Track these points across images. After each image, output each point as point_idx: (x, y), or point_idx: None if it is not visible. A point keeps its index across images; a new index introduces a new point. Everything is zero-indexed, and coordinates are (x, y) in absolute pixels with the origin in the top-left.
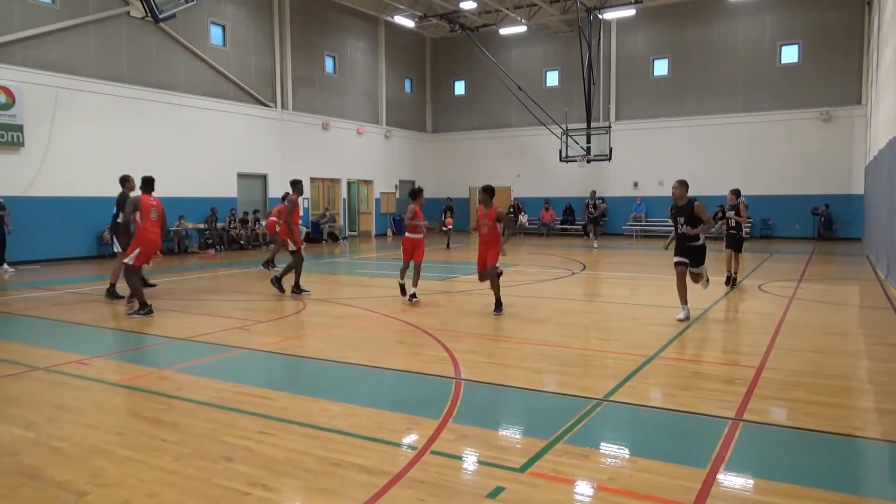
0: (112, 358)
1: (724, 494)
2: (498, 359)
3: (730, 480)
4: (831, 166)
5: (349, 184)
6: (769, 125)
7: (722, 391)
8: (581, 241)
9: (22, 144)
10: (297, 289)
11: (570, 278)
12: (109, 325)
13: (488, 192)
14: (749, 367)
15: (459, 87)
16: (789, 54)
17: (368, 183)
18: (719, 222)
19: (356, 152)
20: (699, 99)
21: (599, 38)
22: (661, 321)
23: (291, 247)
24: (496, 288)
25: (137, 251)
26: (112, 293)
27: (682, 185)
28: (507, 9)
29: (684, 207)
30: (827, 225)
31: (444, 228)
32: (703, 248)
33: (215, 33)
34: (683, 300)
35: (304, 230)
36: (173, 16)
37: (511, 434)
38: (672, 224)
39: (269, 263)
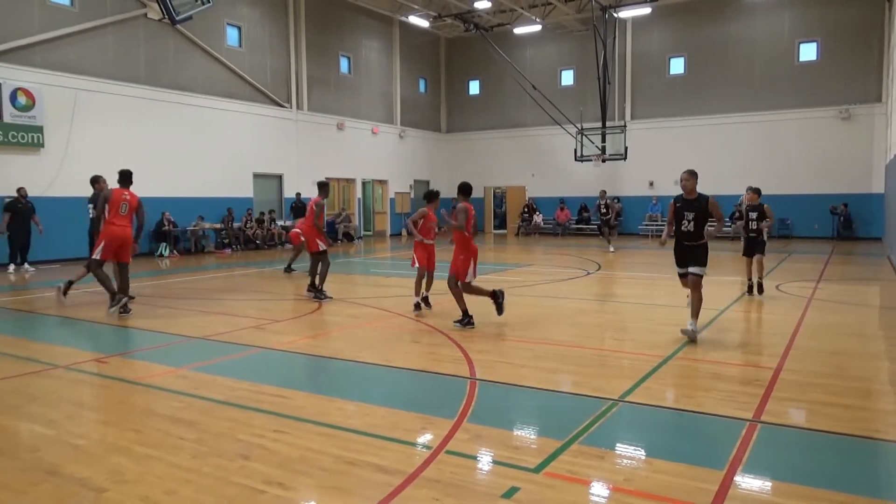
0: (130, 356)
1: (741, 496)
2: (513, 359)
3: (747, 482)
4: (851, 165)
5: (364, 184)
6: (787, 124)
7: (739, 392)
8: (596, 241)
9: (42, 145)
10: (320, 293)
11: (585, 278)
12: (127, 324)
13: (464, 192)
14: (767, 368)
15: (474, 87)
16: (808, 52)
17: (383, 183)
18: (737, 222)
19: (371, 152)
20: (716, 98)
21: (615, 37)
22: (676, 321)
23: (322, 247)
24: (467, 294)
25: (102, 245)
26: (67, 290)
27: (693, 175)
28: (522, 8)
29: (694, 202)
30: (846, 224)
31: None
32: (705, 247)
33: (231, 34)
34: (696, 313)
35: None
36: (190, 17)
37: (526, 434)
38: (674, 220)
39: (289, 268)
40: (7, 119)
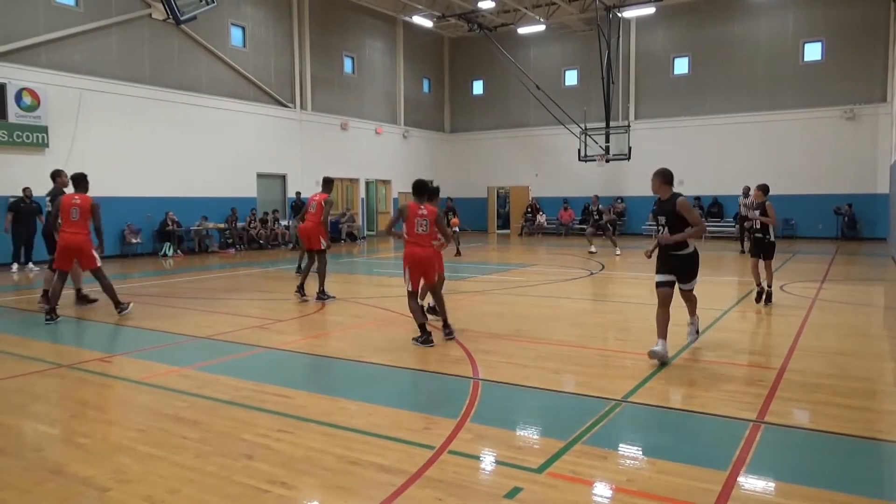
0: (134, 356)
1: (744, 497)
2: (515, 359)
3: (750, 483)
4: (855, 165)
5: (367, 184)
6: (792, 124)
7: (743, 393)
8: (599, 242)
9: (47, 145)
10: (322, 294)
11: (588, 278)
12: (131, 323)
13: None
14: (771, 368)
15: (477, 87)
16: (812, 52)
17: (386, 183)
18: (747, 221)
19: (374, 152)
20: (720, 97)
21: (619, 37)
22: (680, 322)
23: (324, 245)
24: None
25: (55, 254)
26: (81, 298)
27: (659, 175)
28: (526, 8)
29: (665, 205)
30: (850, 225)
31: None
32: (693, 257)
33: (235, 34)
34: (662, 332)
35: None
36: (194, 17)
37: (529, 434)
38: (655, 225)
39: (300, 268)
40: (12, 119)
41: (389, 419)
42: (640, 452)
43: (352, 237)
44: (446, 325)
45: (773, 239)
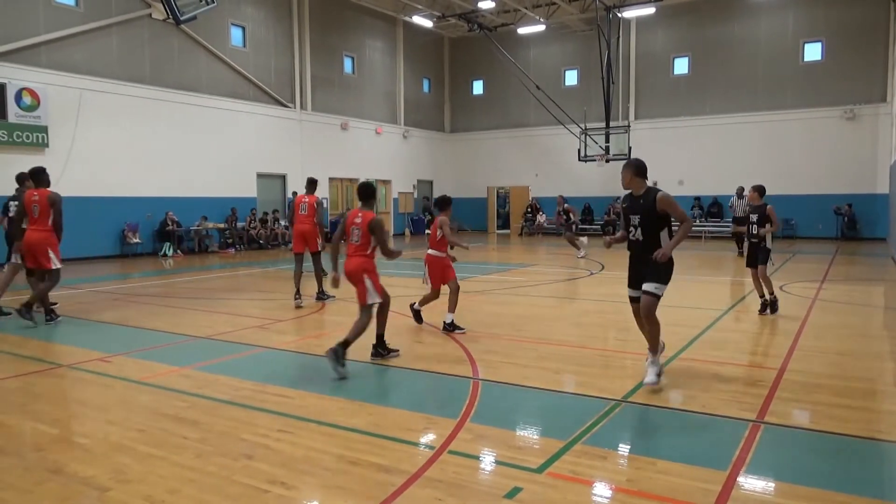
0: (134, 356)
1: (744, 497)
2: (516, 359)
3: (750, 483)
4: (855, 165)
5: None
6: (791, 124)
7: (743, 393)
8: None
9: (46, 145)
10: (321, 294)
11: (588, 278)
12: (131, 323)
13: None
14: (771, 368)
15: (477, 87)
16: (812, 52)
17: (386, 183)
18: (743, 224)
19: (374, 152)
20: (720, 97)
21: (619, 37)
22: (680, 322)
23: (320, 246)
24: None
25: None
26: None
27: (630, 166)
28: (526, 8)
29: (638, 201)
30: (850, 225)
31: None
32: (667, 262)
33: (235, 34)
34: (653, 345)
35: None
36: (194, 17)
37: (529, 434)
38: (625, 225)
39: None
40: (12, 119)
41: (389, 419)
42: (640, 452)
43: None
44: (380, 343)
45: (768, 245)
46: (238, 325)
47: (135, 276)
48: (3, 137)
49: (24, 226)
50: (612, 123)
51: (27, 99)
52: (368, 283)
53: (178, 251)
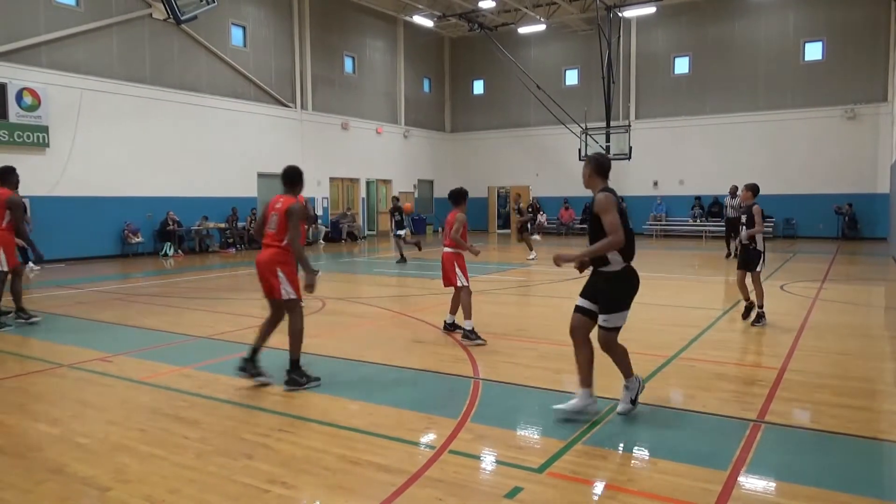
0: (134, 355)
1: (745, 497)
2: (516, 359)
3: (751, 483)
4: (856, 165)
5: (368, 183)
6: (792, 123)
7: (743, 392)
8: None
9: (47, 145)
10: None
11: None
12: (132, 322)
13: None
14: (771, 368)
15: (478, 87)
16: (813, 51)
17: (387, 182)
18: (743, 227)
19: (375, 152)
20: (721, 97)
21: (619, 37)
22: (681, 322)
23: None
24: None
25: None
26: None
27: (591, 162)
28: (526, 7)
29: (591, 204)
30: (851, 224)
31: (398, 234)
32: (615, 280)
33: (236, 34)
34: (586, 378)
35: (322, 230)
36: (195, 17)
37: (529, 434)
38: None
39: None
40: (13, 119)
41: (390, 419)
42: (641, 452)
43: (352, 237)
44: (294, 366)
45: (759, 248)
46: (239, 324)
47: (135, 276)
48: (4, 137)
49: None
50: (612, 123)
51: (28, 99)
52: (282, 275)
53: (179, 251)
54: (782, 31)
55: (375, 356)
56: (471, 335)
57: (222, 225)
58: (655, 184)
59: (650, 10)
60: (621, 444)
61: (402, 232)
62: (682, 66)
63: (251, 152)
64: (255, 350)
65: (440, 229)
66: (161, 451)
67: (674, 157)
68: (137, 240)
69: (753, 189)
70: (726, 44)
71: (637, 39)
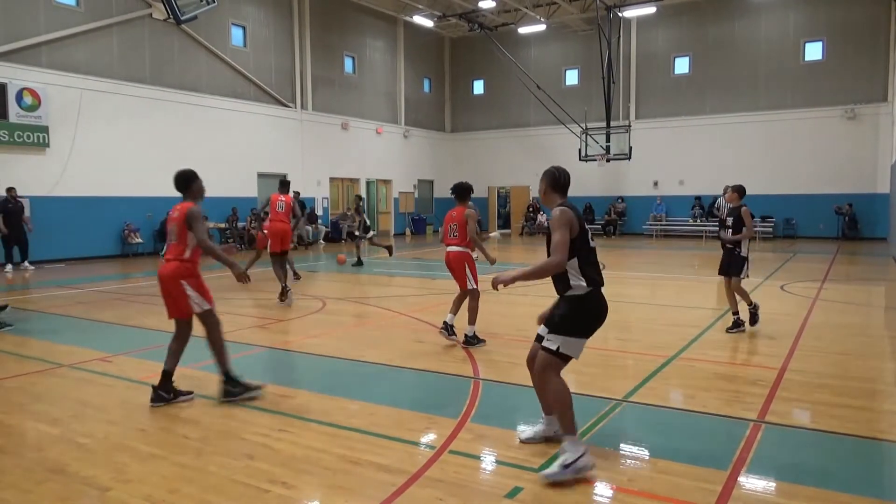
0: (134, 355)
1: (745, 497)
2: (517, 359)
3: (751, 483)
4: (856, 165)
5: (368, 183)
6: (792, 123)
7: (744, 392)
8: (600, 241)
9: (47, 145)
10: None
11: None
12: (132, 322)
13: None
14: (771, 368)
15: (478, 87)
16: (813, 51)
17: (387, 182)
18: (728, 230)
19: (375, 152)
20: (721, 97)
21: (619, 37)
22: (681, 322)
23: (293, 245)
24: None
25: None
26: None
27: (546, 176)
28: (526, 7)
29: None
30: (851, 224)
31: (356, 235)
32: (569, 304)
33: (236, 34)
34: (565, 425)
35: (322, 230)
36: (195, 17)
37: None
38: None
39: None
40: (13, 119)
41: (390, 419)
42: (641, 452)
43: (352, 237)
44: (227, 377)
45: (744, 253)
46: (238, 324)
47: (135, 276)
48: (4, 137)
49: None
50: (612, 123)
51: (28, 99)
52: (189, 288)
53: None
54: (782, 31)
55: (375, 356)
56: (473, 340)
57: (222, 225)
58: (655, 184)
59: (650, 10)
60: (621, 444)
61: (369, 234)
62: (682, 66)
63: (251, 152)
64: (167, 374)
65: (440, 229)
66: (161, 450)
67: (674, 157)
68: (137, 240)
69: (740, 191)
70: (726, 44)
71: (637, 39)
